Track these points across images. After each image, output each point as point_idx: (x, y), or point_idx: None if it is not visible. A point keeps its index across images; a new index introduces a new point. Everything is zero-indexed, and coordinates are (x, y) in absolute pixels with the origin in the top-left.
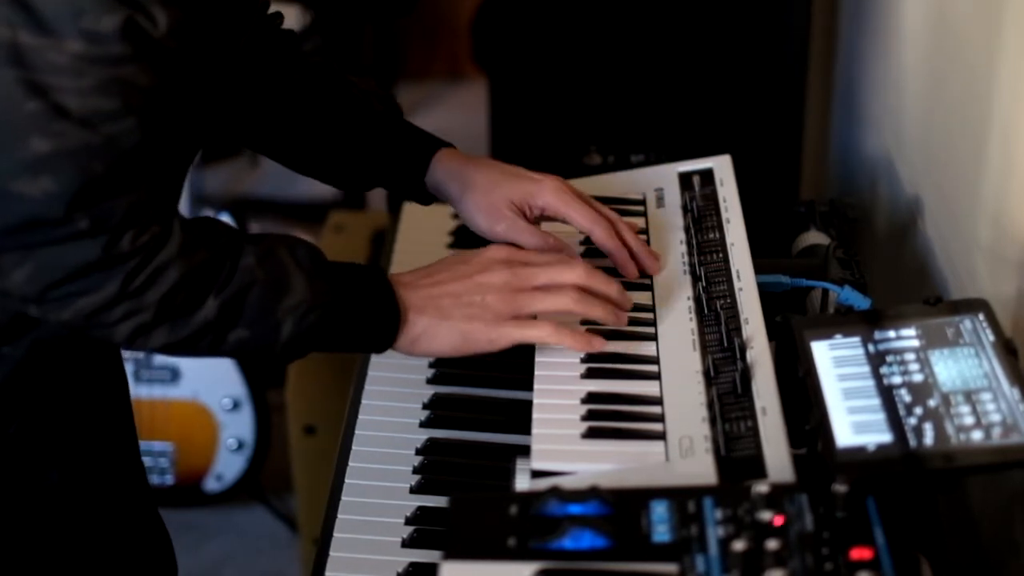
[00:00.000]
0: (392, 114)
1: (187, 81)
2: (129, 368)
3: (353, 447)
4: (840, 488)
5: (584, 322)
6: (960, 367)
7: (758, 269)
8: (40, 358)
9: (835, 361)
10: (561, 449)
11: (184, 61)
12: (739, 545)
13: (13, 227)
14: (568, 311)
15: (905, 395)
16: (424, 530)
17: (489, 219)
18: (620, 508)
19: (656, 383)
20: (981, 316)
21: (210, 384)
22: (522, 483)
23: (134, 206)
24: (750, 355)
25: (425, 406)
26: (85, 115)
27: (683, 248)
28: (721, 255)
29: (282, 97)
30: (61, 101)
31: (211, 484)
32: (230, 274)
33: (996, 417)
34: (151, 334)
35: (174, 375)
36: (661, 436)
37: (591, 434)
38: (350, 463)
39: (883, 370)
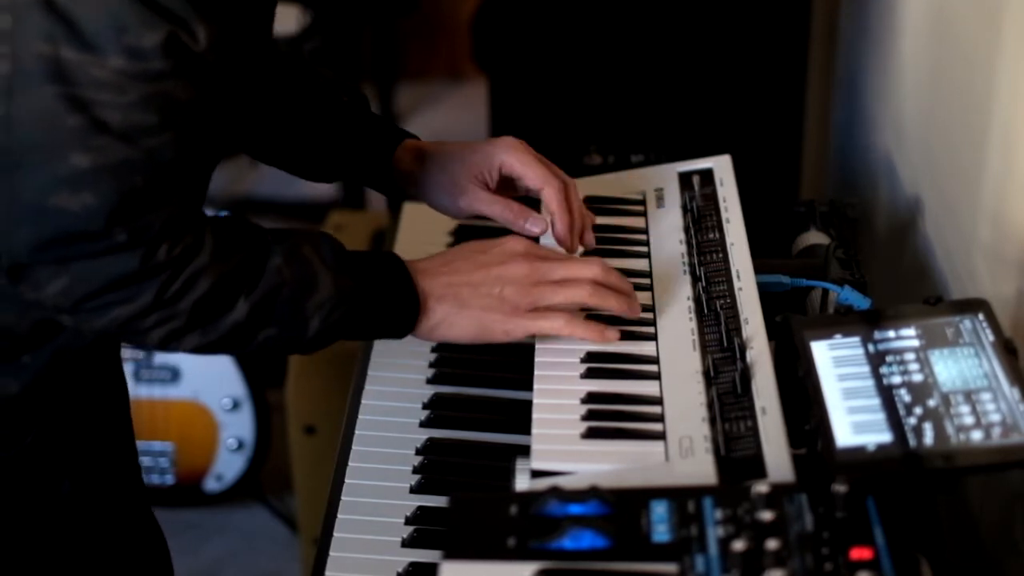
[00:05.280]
0: (358, 105)
1: (219, 92)
2: (129, 368)
3: (353, 447)
4: (840, 488)
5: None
6: (960, 367)
7: (758, 269)
8: (59, 367)
9: (835, 361)
10: (561, 449)
11: (219, 74)
12: (739, 545)
13: (50, 241)
14: (583, 304)
15: (905, 395)
16: (424, 530)
17: (451, 196)
18: (620, 508)
19: (656, 383)
20: (981, 316)
21: (210, 384)
22: (522, 483)
23: (170, 218)
24: (750, 355)
25: (425, 406)
26: (125, 130)
27: (683, 248)
28: (721, 255)
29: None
30: (102, 116)
31: (211, 484)
32: (259, 276)
33: (996, 417)
34: (183, 338)
35: (174, 375)
36: (661, 436)
37: (591, 434)
38: (350, 463)
39: (883, 370)
